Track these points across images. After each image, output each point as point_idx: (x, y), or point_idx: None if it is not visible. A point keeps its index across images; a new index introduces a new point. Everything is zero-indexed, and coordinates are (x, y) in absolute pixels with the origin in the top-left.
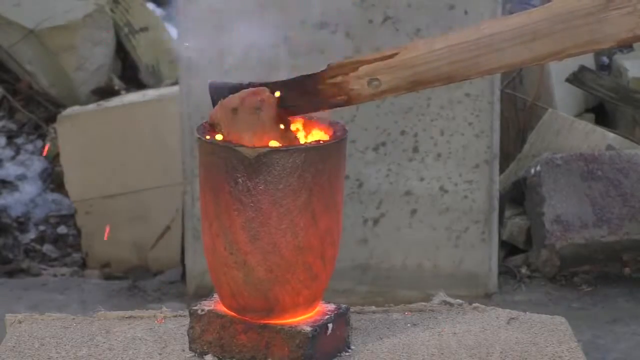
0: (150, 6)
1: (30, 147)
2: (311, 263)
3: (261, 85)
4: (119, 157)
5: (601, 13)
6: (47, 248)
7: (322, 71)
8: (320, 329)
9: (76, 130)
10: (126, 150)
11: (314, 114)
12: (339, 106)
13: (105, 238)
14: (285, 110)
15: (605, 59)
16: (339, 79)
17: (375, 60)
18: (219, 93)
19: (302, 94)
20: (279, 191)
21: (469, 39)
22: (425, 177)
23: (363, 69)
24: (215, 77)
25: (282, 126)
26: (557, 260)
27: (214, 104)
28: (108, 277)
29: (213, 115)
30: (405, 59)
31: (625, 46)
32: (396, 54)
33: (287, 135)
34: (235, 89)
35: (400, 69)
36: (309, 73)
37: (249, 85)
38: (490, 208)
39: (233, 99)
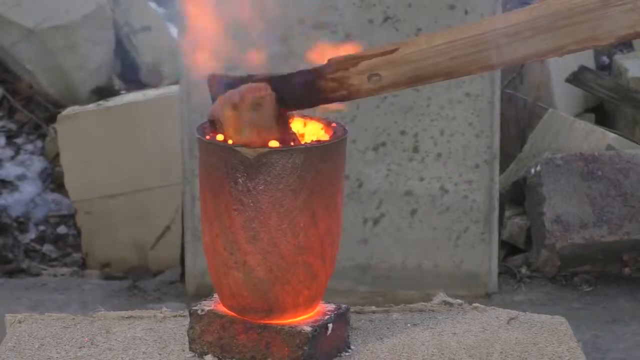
0: (151, 6)
1: (30, 147)
2: (311, 263)
3: (260, 79)
4: (119, 157)
5: (601, 10)
6: (47, 248)
7: (322, 66)
8: (320, 329)
9: (76, 130)
10: (126, 150)
11: (313, 113)
12: (339, 101)
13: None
14: (285, 106)
15: (605, 59)
16: (339, 74)
17: (376, 55)
18: (218, 88)
19: (301, 89)
20: (278, 191)
21: (470, 34)
22: (425, 177)
23: (363, 64)
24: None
25: (282, 122)
26: (557, 260)
27: (213, 99)
28: (108, 277)
29: (213, 112)
30: (405, 54)
31: (625, 43)
32: (396, 49)
33: (287, 132)
34: (235, 83)
35: (400, 64)
36: (309, 68)
37: (248, 78)
38: (490, 208)
39: (233, 96)
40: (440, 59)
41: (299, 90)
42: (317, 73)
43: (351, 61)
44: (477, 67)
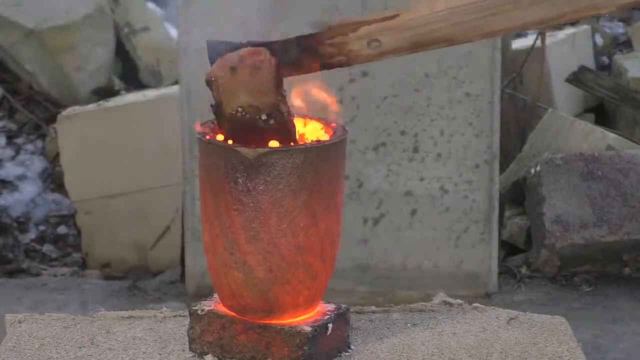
0: (150, 6)
1: (30, 147)
2: (311, 263)
3: (260, 44)
4: (119, 157)
5: None
6: (47, 248)
7: (321, 31)
8: (320, 329)
9: (76, 130)
10: (126, 150)
11: (312, 113)
12: (338, 66)
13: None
14: (284, 71)
15: (605, 59)
16: (338, 39)
17: (376, 21)
18: (217, 51)
19: (301, 54)
20: (278, 191)
21: (472, 0)
22: (425, 177)
23: (363, 30)
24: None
25: (279, 88)
26: (557, 260)
27: (212, 62)
28: (108, 277)
29: (211, 73)
30: (406, 20)
31: (625, 43)
32: (397, 15)
33: (283, 99)
34: (234, 48)
35: (401, 30)
36: (308, 33)
37: (247, 44)
38: (490, 208)
39: (232, 58)
40: (442, 25)
41: (298, 56)
42: (316, 38)
43: (351, 26)
44: (478, 34)
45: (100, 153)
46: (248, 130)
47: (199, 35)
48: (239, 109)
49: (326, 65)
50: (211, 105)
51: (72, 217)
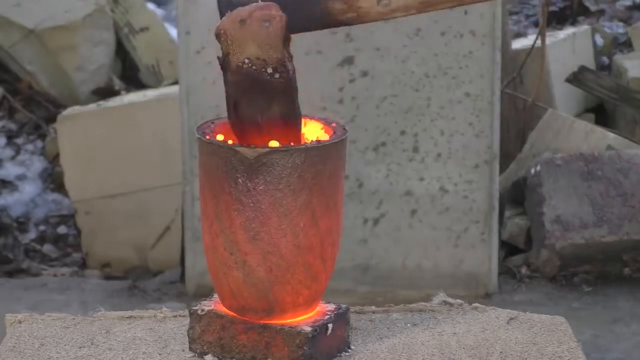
0: (150, 6)
1: (30, 147)
2: (311, 263)
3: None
4: (119, 157)
5: None
6: (47, 248)
7: None
8: (320, 329)
9: (76, 130)
10: (126, 150)
11: (313, 114)
12: (348, 24)
13: None
14: (294, 27)
15: (605, 59)
16: None
17: None
18: (227, 6)
19: (310, 11)
20: (278, 191)
21: None
22: (425, 177)
23: None
24: (214, 79)
25: (287, 46)
26: (557, 260)
27: (222, 17)
28: (108, 277)
29: (220, 26)
30: None
31: (625, 43)
32: None
33: (289, 58)
34: (244, 3)
35: None
36: None
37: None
38: (490, 208)
39: (242, 11)
40: None
41: (308, 12)
42: None
43: None
44: None
45: (100, 153)
46: (253, 83)
47: (199, 35)
48: (246, 61)
49: (336, 22)
50: (218, 58)
51: (72, 217)
